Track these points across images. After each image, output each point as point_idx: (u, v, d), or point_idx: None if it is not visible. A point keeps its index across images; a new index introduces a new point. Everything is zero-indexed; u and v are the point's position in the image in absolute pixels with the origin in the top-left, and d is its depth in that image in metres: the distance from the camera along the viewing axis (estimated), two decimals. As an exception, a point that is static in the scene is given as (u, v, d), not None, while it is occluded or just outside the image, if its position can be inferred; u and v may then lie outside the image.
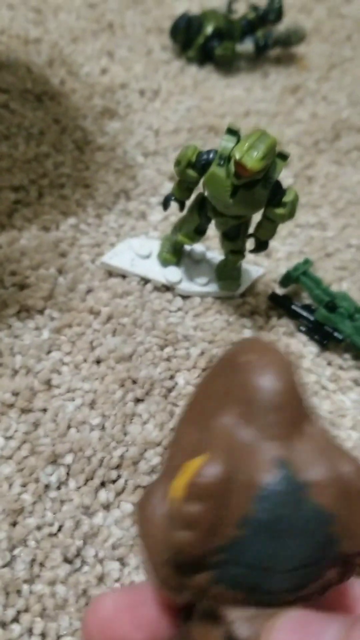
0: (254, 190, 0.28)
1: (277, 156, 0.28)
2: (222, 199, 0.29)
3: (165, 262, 0.35)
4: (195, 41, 0.48)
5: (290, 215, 0.30)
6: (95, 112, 0.43)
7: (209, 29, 0.47)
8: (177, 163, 0.30)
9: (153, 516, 0.17)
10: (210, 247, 0.37)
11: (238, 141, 0.28)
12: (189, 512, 0.15)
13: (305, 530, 0.15)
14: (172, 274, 0.35)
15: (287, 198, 0.29)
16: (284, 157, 0.29)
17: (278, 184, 0.29)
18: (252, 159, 0.26)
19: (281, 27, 0.53)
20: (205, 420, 0.17)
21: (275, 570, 0.15)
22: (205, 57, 0.49)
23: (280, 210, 0.29)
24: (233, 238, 0.32)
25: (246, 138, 0.27)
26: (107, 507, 0.27)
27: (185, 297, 0.35)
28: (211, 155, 0.29)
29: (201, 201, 0.32)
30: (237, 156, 0.26)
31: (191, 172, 0.30)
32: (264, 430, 0.15)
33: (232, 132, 0.28)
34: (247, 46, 0.50)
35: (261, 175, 0.28)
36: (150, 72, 0.47)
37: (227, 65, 0.49)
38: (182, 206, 0.33)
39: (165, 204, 0.33)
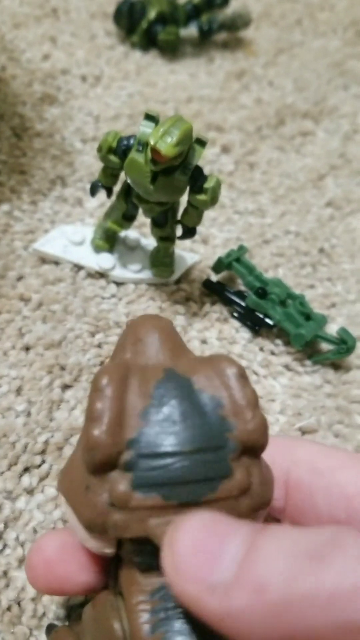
0: (173, 177, 0.29)
1: (195, 142, 0.29)
2: (142, 185, 0.29)
3: (98, 249, 0.35)
4: (138, 26, 0.47)
5: (212, 201, 0.30)
6: (34, 99, 0.42)
7: (152, 14, 0.47)
8: (99, 149, 0.30)
9: (72, 465, 0.18)
10: (146, 234, 0.37)
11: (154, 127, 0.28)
12: (95, 408, 0.17)
13: (198, 414, 0.17)
14: (105, 260, 0.35)
15: (208, 184, 0.30)
16: (202, 143, 0.29)
17: (199, 170, 0.29)
18: (167, 145, 0.26)
19: (228, 11, 0.52)
20: None
21: (177, 453, 0.16)
22: (149, 42, 0.48)
23: (201, 197, 0.30)
24: (161, 225, 0.33)
25: (161, 124, 0.27)
26: (30, 491, 0.28)
27: (119, 284, 0.35)
28: (131, 141, 0.29)
29: (127, 187, 0.32)
30: (152, 142, 0.27)
31: (113, 158, 0.30)
32: (151, 358, 0.19)
33: (150, 117, 0.28)
34: (191, 31, 0.50)
35: (178, 162, 0.28)
36: (93, 58, 0.47)
37: (171, 50, 0.49)
38: (109, 192, 0.33)
39: (93, 191, 0.33)
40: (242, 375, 0.18)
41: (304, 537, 0.14)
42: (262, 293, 0.35)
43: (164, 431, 0.17)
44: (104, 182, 0.32)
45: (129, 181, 0.30)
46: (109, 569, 0.19)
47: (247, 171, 0.44)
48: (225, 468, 0.17)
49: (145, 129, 0.28)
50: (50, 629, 0.23)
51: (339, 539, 0.14)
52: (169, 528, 0.15)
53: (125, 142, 0.29)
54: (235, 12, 0.51)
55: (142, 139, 0.28)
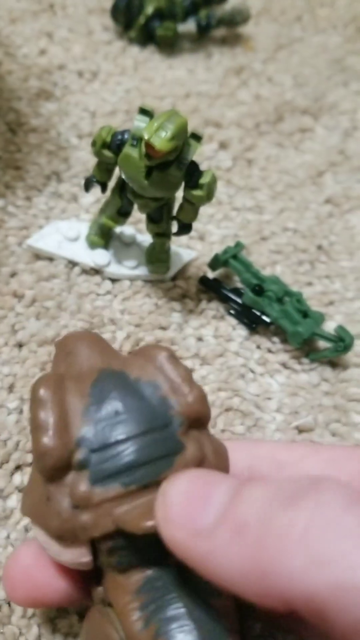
0: (168, 172, 0.28)
1: (190, 137, 0.28)
2: (137, 180, 0.29)
3: (92, 245, 0.35)
4: (136, 21, 0.47)
5: (208, 197, 0.30)
6: (30, 94, 0.42)
7: (150, 9, 0.47)
8: (93, 144, 0.30)
9: (33, 493, 0.18)
10: (141, 230, 0.37)
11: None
12: (38, 419, 0.17)
13: (139, 399, 0.18)
14: (100, 256, 0.35)
15: (203, 180, 0.29)
16: (197, 137, 0.28)
17: (194, 165, 0.29)
18: (161, 139, 0.26)
19: (227, 7, 0.52)
20: None
21: (130, 439, 0.17)
22: (147, 37, 0.48)
23: (197, 192, 0.29)
24: (157, 220, 0.32)
25: (155, 118, 0.27)
26: (21, 490, 0.27)
27: (114, 280, 0.35)
28: (125, 136, 0.29)
29: (122, 183, 0.31)
30: (146, 136, 0.26)
31: (107, 153, 0.30)
32: (83, 364, 0.20)
33: (144, 112, 0.28)
34: (190, 26, 0.49)
35: (173, 156, 0.27)
36: (90, 53, 0.47)
37: (169, 46, 0.48)
38: (103, 188, 0.33)
39: (87, 186, 0.33)
40: (172, 356, 0.19)
41: (285, 485, 0.15)
42: (259, 290, 0.35)
43: (109, 423, 0.17)
44: (98, 178, 0.32)
45: (123, 176, 0.30)
46: (90, 586, 0.19)
47: (245, 167, 0.43)
48: (177, 444, 0.17)
49: (140, 123, 0.28)
50: None
51: (316, 484, 0.14)
52: (163, 483, 0.16)
53: (119, 137, 0.29)
54: (234, 7, 0.51)
55: (137, 133, 0.28)
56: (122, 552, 0.17)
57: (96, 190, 0.35)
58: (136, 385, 0.18)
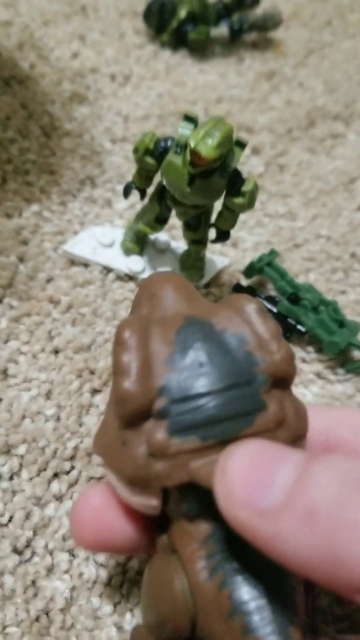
0: (212, 179, 0.28)
1: (234, 144, 0.28)
2: (179, 187, 0.28)
3: (128, 251, 0.34)
4: (168, 25, 0.47)
5: (250, 205, 0.29)
6: (63, 97, 0.42)
7: (183, 13, 0.46)
8: (135, 150, 0.30)
9: (107, 434, 0.18)
10: (175, 236, 0.37)
11: (195, 129, 0.28)
12: (121, 360, 0.17)
13: (224, 352, 0.17)
14: (135, 263, 0.34)
15: (246, 187, 0.29)
16: (242, 145, 0.28)
17: (237, 173, 0.29)
18: (207, 147, 0.26)
19: (258, 11, 0.52)
20: None
21: (210, 393, 0.16)
22: (179, 41, 0.48)
23: (239, 200, 0.29)
24: (194, 228, 0.32)
25: (202, 125, 0.27)
26: (59, 498, 0.27)
27: (148, 286, 0.35)
28: (168, 143, 0.29)
29: (161, 190, 0.31)
30: (192, 144, 0.26)
31: (149, 160, 0.29)
32: (168, 309, 0.19)
33: (189, 119, 0.28)
34: (221, 30, 0.49)
35: (218, 164, 0.27)
36: (122, 57, 0.46)
37: (201, 50, 0.48)
38: (142, 194, 0.32)
39: (126, 192, 0.32)
40: (262, 310, 0.18)
41: (357, 466, 0.14)
42: (294, 299, 0.34)
43: (192, 374, 0.17)
44: (138, 184, 0.32)
45: (165, 184, 0.29)
46: (155, 533, 0.19)
47: (277, 173, 0.43)
48: (258, 402, 0.17)
49: (184, 130, 0.28)
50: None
51: None
52: (221, 456, 0.16)
53: (162, 144, 0.29)
54: (266, 12, 0.50)
55: (181, 140, 0.27)
56: (192, 502, 0.17)
57: (133, 196, 0.35)
58: (222, 336, 0.17)
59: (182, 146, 0.28)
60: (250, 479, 0.15)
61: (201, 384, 0.16)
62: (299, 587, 0.16)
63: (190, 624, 0.16)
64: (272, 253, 0.37)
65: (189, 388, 0.16)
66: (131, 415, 0.16)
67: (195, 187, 0.28)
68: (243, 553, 0.16)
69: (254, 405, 0.17)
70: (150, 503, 0.17)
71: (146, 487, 0.17)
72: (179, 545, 0.17)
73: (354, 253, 0.40)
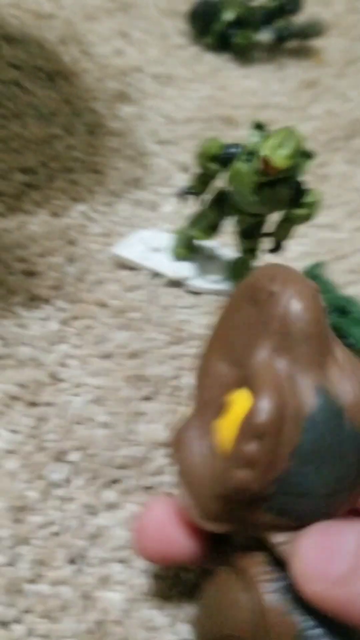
0: (278, 189, 0.28)
1: (301, 155, 0.28)
2: (245, 195, 0.28)
3: (178, 257, 0.34)
4: (213, 27, 0.46)
5: (312, 216, 0.29)
6: (107, 95, 0.41)
7: (230, 16, 0.46)
8: (200, 155, 0.29)
9: (194, 454, 0.18)
10: (224, 243, 0.36)
11: (264, 137, 0.27)
12: (250, 452, 0.15)
13: (345, 453, 0.16)
14: (184, 269, 0.34)
15: (310, 199, 0.29)
16: (308, 155, 0.28)
17: (300, 184, 0.28)
18: (281, 157, 0.25)
19: (299, 19, 0.51)
20: (236, 353, 0.17)
21: (318, 495, 0.16)
22: (222, 44, 0.47)
23: (302, 211, 0.29)
24: (250, 236, 0.32)
25: (274, 135, 0.26)
26: (111, 507, 0.27)
27: (195, 293, 0.34)
28: (236, 150, 0.28)
29: (220, 196, 0.31)
30: (265, 153, 0.26)
31: (213, 166, 0.29)
32: (300, 360, 0.16)
33: (259, 126, 0.27)
34: (264, 36, 0.49)
35: (288, 174, 0.27)
36: (164, 57, 0.46)
37: (244, 54, 0.47)
38: (198, 199, 0.32)
39: (182, 196, 0.32)
40: None
41: None
42: (343, 311, 0.34)
43: (307, 471, 0.16)
44: (196, 189, 0.31)
45: (229, 191, 0.29)
46: (214, 552, 0.20)
47: (318, 184, 0.43)
48: (352, 492, 0.17)
49: (254, 138, 0.27)
50: None
51: None
52: (294, 544, 0.16)
53: (231, 150, 0.28)
54: (309, 20, 0.50)
55: (253, 149, 0.27)
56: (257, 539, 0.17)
57: (175, 200, 0.34)
58: (347, 429, 0.16)
59: (252, 154, 0.27)
60: (319, 556, 0.16)
61: (312, 485, 0.16)
62: None
63: None
64: (320, 265, 0.36)
65: (299, 484, 0.16)
66: (237, 500, 0.16)
67: (262, 195, 0.28)
68: None
69: (346, 498, 0.17)
70: (219, 529, 0.18)
71: (219, 525, 0.17)
72: (247, 566, 0.17)
73: (395, 268, 0.40)
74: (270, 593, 0.17)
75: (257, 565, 0.17)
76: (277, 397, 0.15)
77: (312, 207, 0.29)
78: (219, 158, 0.29)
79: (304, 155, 0.28)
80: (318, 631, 0.16)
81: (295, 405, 0.16)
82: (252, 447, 0.15)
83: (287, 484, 0.16)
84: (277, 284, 0.17)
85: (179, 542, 0.20)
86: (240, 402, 0.16)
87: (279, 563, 0.17)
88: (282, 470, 0.16)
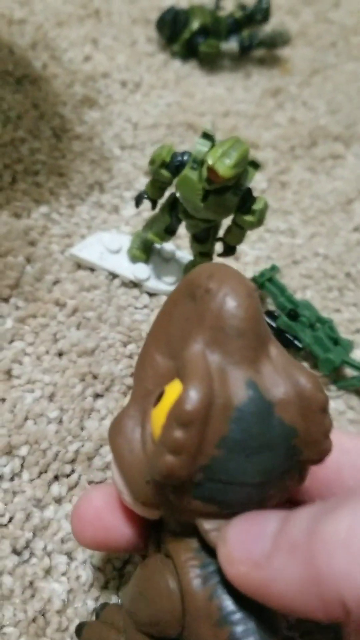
0: (225, 196, 0.29)
1: (249, 164, 0.29)
2: (193, 202, 0.29)
3: (134, 259, 0.35)
4: (180, 36, 0.47)
5: (259, 223, 0.30)
6: (75, 100, 0.42)
7: (196, 25, 0.47)
8: (152, 162, 0.30)
9: (129, 440, 0.18)
10: (181, 246, 0.37)
11: (212, 146, 0.28)
12: (176, 438, 0.15)
13: (273, 445, 0.16)
14: (141, 270, 0.35)
15: (256, 206, 0.30)
16: (256, 165, 0.29)
17: (249, 192, 0.30)
18: (224, 166, 0.27)
19: (267, 28, 0.53)
20: (172, 346, 0.18)
21: (245, 484, 0.16)
22: (189, 52, 0.48)
23: (249, 218, 0.30)
24: (202, 240, 0.33)
25: (220, 144, 0.27)
26: (59, 500, 0.27)
27: (152, 294, 0.35)
28: (185, 158, 0.29)
29: (172, 202, 0.32)
30: (210, 162, 0.27)
31: (164, 172, 0.30)
32: (232, 355, 0.16)
33: (207, 136, 0.29)
34: (231, 45, 0.50)
35: (232, 182, 0.28)
36: (133, 64, 0.47)
37: (211, 62, 0.49)
38: (154, 205, 0.33)
39: (138, 201, 0.33)
40: (325, 410, 0.17)
41: (327, 501, 0.16)
42: (293, 315, 0.35)
43: (235, 460, 0.16)
44: (150, 195, 0.32)
45: (179, 197, 0.30)
46: (149, 538, 0.20)
47: (279, 190, 0.44)
48: (282, 483, 0.17)
49: (202, 147, 0.28)
50: (80, 627, 0.23)
51: (351, 495, 0.16)
52: (223, 529, 0.17)
53: (179, 158, 0.29)
54: (275, 30, 0.51)
55: (198, 157, 0.28)
56: (189, 526, 0.18)
57: (141, 205, 0.35)
58: (276, 426, 0.17)
59: (199, 162, 0.28)
60: (244, 539, 0.16)
61: (239, 474, 0.16)
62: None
63: (179, 626, 0.17)
64: (273, 269, 0.37)
65: (227, 473, 0.16)
66: (165, 485, 0.17)
67: (209, 202, 0.29)
68: None
69: (276, 488, 0.17)
70: (152, 514, 0.18)
71: (150, 510, 0.18)
72: (174, 552, 0.18)
73: (349, 273, 0.41)
74: (196, 578, 0.17)
75: (186, 552, 0.18)
76: (204, 387, 0.16)
77: (259, 214, 0.30)
78: (169, 165, 0.30)
79: (252, 164, 0.29)
80: (239, 616, 0.17)
81: (224, 396, 0.16)
82: (178, 434, 0.15)
83: (215, 472, 0.16)
84: (214, 281, 0.17)
85: (116, 529, 0.20)
86: (172, 391, 0.17)
87: (209, 550, 0.17)
88: (210, 458, 0.16)
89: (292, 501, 0.20)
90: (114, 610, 0.21)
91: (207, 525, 0.17)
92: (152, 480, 0.17)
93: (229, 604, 0.17)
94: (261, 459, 0.16)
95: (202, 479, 0.16)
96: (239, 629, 0.16)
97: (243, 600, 0.17)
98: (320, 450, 0.17)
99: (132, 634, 0.20)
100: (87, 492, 0.21)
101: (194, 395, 0.16)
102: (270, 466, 0.17)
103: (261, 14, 0.51)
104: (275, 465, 0.17)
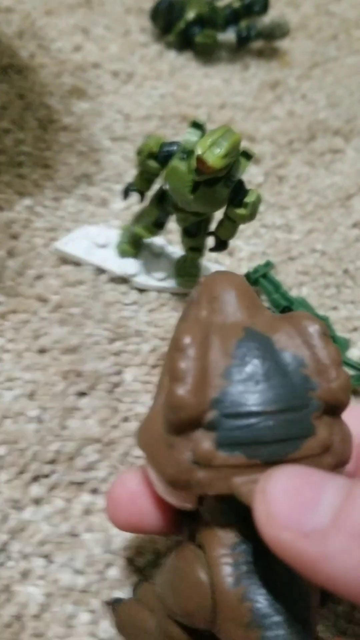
0: (215, 188, 0.27)
1: (241, 155, 0.28)
2: (182, 194, 0.28)
3: (123, 253, 0.34)
4: (175, 26, 0.46)
5: (251, 216, 0.29)
6: (63, 91, 0.41)
7: (191, 15, 0.46)
8: (139, 153, 0.29)
9: (154, 432, 0.18)
10: (171, 241, 0.36)
11: (202, 136, 0.27)
12: (177, 364, 0.17)
13: (282, 373, 0.17)
14: (129, 265, 0.34)
15: (249, 199, 0.28)
16: (248, 156, 0.28)
17: (241, 184, 0.28)
18: (214, 156, 0.25)
19: (266, 20, 0.51)
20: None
21: (264, 413, 0.16)
22: (185, 43, 0.47)
23: (241, 211, 0.29)
24: (193, 235, 0.32)
25: (210, 134, 0.26)
26: (37, 502, 0.26)
27: (141, 290, 0.34)
28: (174, 148, 0.28)
29: (161, 194, 0.31)
30: (199, 152, 0.25)
31: (152, 164, 0.29)
32: (229, 316, 0.18)
33: (196, 125, 0.27)
34: (229, 36, 0.48)
35: (223, 173, 0.27)
36: (125, 54, 0.46)
37: (207, 53, 0.47)
38: (142, 197, 0.32)
39: (125, 194, 0.32)
40: (325, 334, 0.18)
41: None
42: (288, 312, 0.34)
43: (247, 390, 0.17)
44: (138, 187, 0.31)
45: (167, 189, 0.29)
46: (182, 524, 0.20)
47: (276, 184, 0.43)
48: (308, 427, 0.17)
49: (191, 137, 0.27)
50: (116, 602, 0.22)
51: None
52: (262, 478, 0.16)
53: (167, 149, 0.28)
54: (273, 21, 0.50)
55: (187, 147, 0.27)
56: (228, 512, 0.17)
57: (129, 197, 0.34)
58: (281, 355, 0.17)
59: (188, 152, 0.27)
60: (294, 501, 0.15)
61: (255, 403, 0.17)
62: (315, 607, 0.17)
63: (209, 619, 0.17)
64: (268, 265, 0.36)
65: (242, 404, 0.16)
66: (182, 423, 0.17)
67: (199, 194, 0.28)
68: (268, 569, 0.17)
69: (303, 430, 0.17)
70: (185, 504, 0.18)
71: (185, 491, 0.17)
72: (208, 546, 0.18)
73: (346, 269, 0.40)
74: (228, 577, 0.17)
75: (219, 547, 0.17)
76: (196, 323, 0.18)
77: (252, 207, 0.29)
78: (157, 156, 0.29)
79: (244, 155, 0.28)
80: (271, 621, 0.16)
81: (224, 336, 0.17)
82: (177, 360, 0.16)
83: (228, 405, 0.16)
84: (207, 279, 0.20)
85: (149, 513, 0.20)
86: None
87: (245, 545, 0.17)
88: (219, 389, 0.17)
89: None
90: (149, 590, 0.21)
91: (237, 479, 0.16)
92: (167, 426, 0.17)
93: (260, 607, 0.16)
94: (272, 384, 0.17)
95: (217, 415, 0.16)
96: (270, 633, 0.16)
97: (277, 604, 0.16)
98: (332, 380, 0.17)
99: (163, 618, 0.19)
100: (122, 474, 0.21)
101: (185, 327, 0.17)
102: (283, 393, 0.17)
103: (260, 5, 0.50)
104: (289, 394, 0.17)
